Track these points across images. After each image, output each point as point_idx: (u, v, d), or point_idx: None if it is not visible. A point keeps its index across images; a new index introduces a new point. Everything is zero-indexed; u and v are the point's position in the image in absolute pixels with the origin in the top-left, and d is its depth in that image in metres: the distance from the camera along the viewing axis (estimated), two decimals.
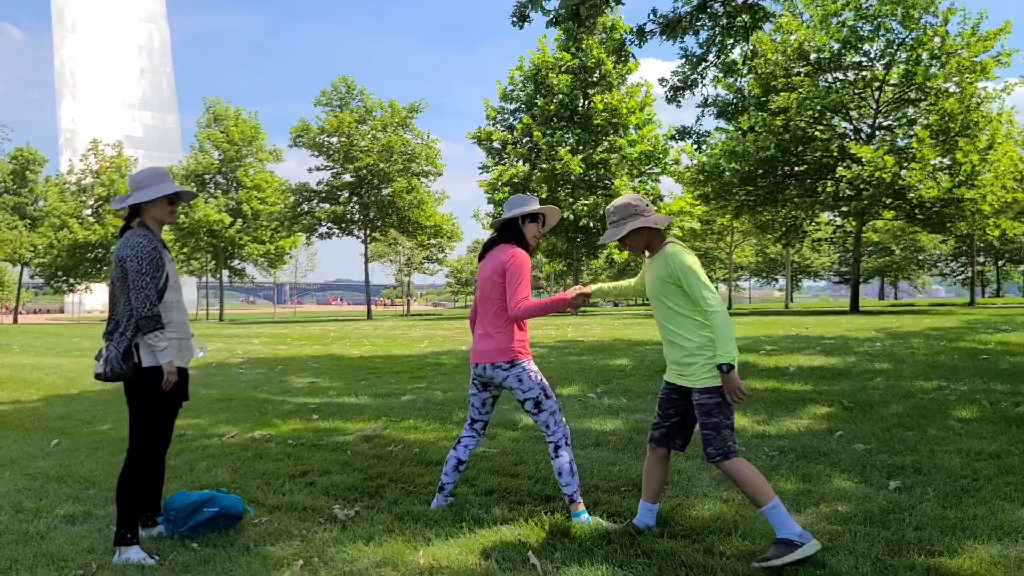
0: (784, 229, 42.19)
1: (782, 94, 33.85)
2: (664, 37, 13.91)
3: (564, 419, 4.48)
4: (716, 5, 14.50)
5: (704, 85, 15.63)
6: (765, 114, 33.80)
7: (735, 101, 15.92)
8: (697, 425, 3.94)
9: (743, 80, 33.99)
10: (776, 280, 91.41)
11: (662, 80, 14.77)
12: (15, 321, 59.36)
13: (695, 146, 15.45)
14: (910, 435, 6.29)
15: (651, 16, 12.99)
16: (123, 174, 54.15)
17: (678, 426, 4.08)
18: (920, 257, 76.03)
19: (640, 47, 13.03)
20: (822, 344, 14.04)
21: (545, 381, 4.48)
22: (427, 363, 13.17)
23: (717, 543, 3.88)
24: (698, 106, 15.11)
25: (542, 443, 6.15)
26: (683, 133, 15.35)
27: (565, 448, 4.37)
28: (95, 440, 7.04)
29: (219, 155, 51.73)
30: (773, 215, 39.73)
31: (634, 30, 12.98)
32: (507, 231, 4.59)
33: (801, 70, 34.54)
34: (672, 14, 13.82)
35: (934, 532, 3.96)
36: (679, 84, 14.98)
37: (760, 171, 34.51)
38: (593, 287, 4.58)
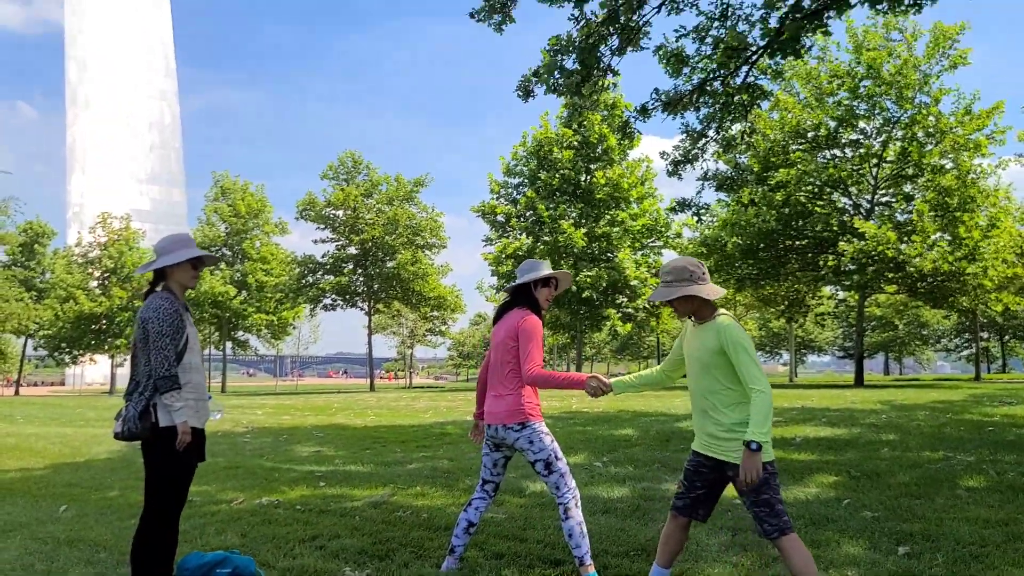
0: (787, 303, 42.40)
1: (781, 170, 34.48)
2: (666, 113, 14.35)
3: (574, 482, 4.54)
4: (716, 84, 14.99)
5: (704, 160, 16.02)
6: (765, 188, 34.37)
7: (734, 175, 16.23)
8: (746, 503, 3.87)
9: (743, 157, 34.81)
10: (780, 355, 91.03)
11: (663, 154, 15.15)
12: (17, 393, 59.18)
13: (695, 217, 15.70)
14: (918, 503, 6.31)
15: (653, 95, 13.43)
16: (131, 247, 54.75)
17: (703, 498, 4.01)
18: (924, 332, 75.98)
19: (645, 122, 13.44)
20: (827, 415, 14.03)
21: (556, 444, 4.55)
22: (432, 433, 13.17)
23: None
24: (698, 179, 15.45)
25: (550, 509, 6.16)
26: (683, 205, 15.65)
27: (575, 510, 4.41)
28: (104, 506, 7.05)
29: (226, 228, 52.42)
30: (775, 289, 39.96)
31: (637, 108, 13.41)
32: (520, 296, 4.73)
33: (798, 147, 35.25)
34: (673, 92, 14.29)
35: None
36: (680, 158, 15.36)
37: (761, 244, 34.88)
38: (614, 380, 4.49)
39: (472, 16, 13.22)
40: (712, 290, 3.94)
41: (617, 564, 4.71)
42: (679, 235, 40.06)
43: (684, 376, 4.32)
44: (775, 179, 34.52)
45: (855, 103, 34.23)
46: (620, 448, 10.14)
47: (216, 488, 7.82)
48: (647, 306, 40.36)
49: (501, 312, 4.81)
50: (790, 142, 35.08)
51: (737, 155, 33.71)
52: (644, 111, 13.32)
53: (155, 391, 4.05)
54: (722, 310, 4.01)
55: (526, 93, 11.57)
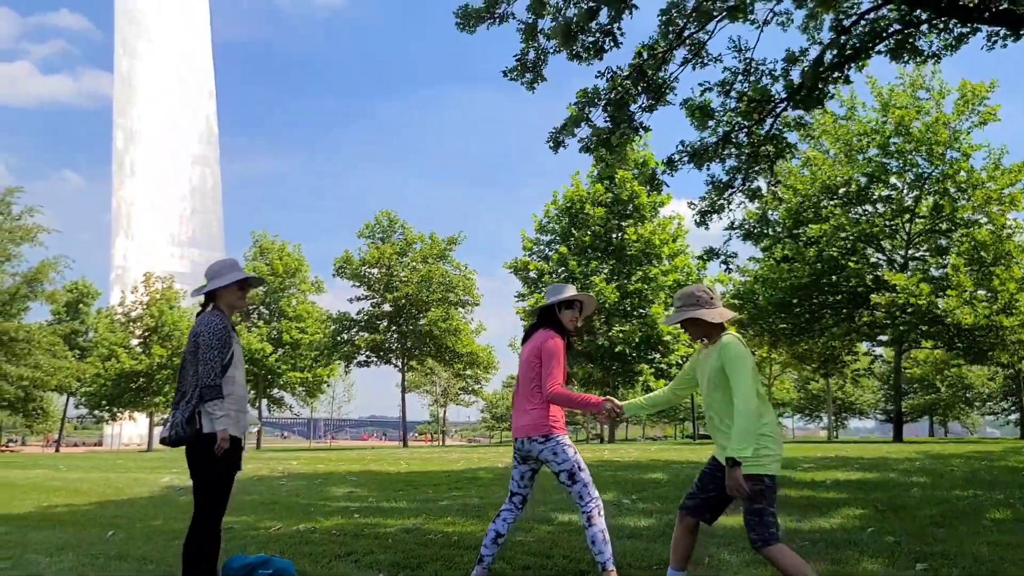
0: (822, 359, 41.99)
1: (813, 225, 34.61)
2: (692, 164, 14.73)
3: (597, 492, 4.75)
4: (741, 136, 15.35)
5: (731, 210, 16.27)
6: (799, 244, 34.49)
7: (759, 225, 16.29)
8: (743, 509, 4.06)
9: (774, 214, 35.04)
10: (820, 418, 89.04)
11: (691, 204, 15.43)
12: (57, 451, 60.10)
13: (724, 267, 15.93)
14: (941, 531, 6.37)
15: (679, 146, 13.84)
16: (172, 306, 55.97)
17: (713, 501, 4.20)
18: (968, 395, 74.10)
19: (672, 176, 13.81)
20: (861, 463, 13.95)
21: (579, 456, 4.78)
22: (464, 477, 13.32)
23: None
24: (725, 229, 15.69)
25: (576, 535, 6.32)
26: (711, 254, 15.88)
27: (598, 518, 4.61)
28: (149, 532, 7.34)
29: (263, 286, 53.50)
30: (810, 345, 39.65)
31: (664, 161, 13.82)
32: (545, 317, 5.03)
33: (830, 203, 35.37)
34: (699, 143, 14.68)
35: None
36: (707, 208, 15.64)
37: (794, 299, 34.81)
38: (625, 403, 4.75)
39: (505, 75, 13.79)
40: (717, 313, 4.16)
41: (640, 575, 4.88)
42: (711, 288, 40.13)
43: (686, 397, 4.55)
44: (807, 234, 34.64)
45: (886, 160, 34.41)
46: (649, 488, 10.25)
47: (254, 519, 8.08)
48: (680, 362, 40.22)
49: (529, 333, 5.10)
50: (822, 198, 35.24)
51: (767, 209, 34.07)
52: (671, 163, 13.72)
53: (200, 399, 4.37)
54: (731, 331, 4.24)
55: (556, 144, 12.01)
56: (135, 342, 55.26)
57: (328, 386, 57.54)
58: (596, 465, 15.21)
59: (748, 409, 3.86)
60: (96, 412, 58.03)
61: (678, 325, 4.43)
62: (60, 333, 54.70)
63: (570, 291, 5.07)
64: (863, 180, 34.80)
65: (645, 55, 12.85)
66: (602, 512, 4.65)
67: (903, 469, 12.42)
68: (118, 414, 56.77)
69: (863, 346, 42.08)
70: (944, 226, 34.48)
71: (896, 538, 6.06)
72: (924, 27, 13.65)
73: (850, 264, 34.08)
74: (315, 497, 10.59)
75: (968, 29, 13.25)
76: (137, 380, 53.73)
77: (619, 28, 12.69)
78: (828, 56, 13.94)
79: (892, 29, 13.24)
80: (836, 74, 13.93)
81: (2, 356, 35.64)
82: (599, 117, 12.58)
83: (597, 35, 12.73)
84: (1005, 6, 11.86)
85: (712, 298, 4.23)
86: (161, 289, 56.46)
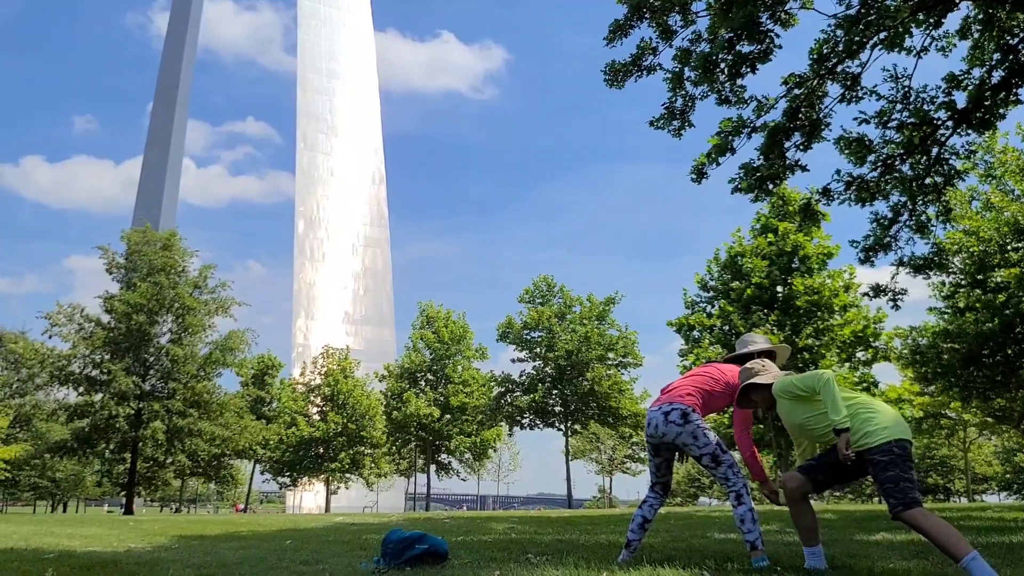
0: (1023, 416, 38.22)
1: (1000, 271, 32.07)
2: (853, 201, 14.21)
3: (742, 471, 4.73)
4: (904, 168, 14.71)
5: (898, 246, 15.47)
6: (981, 291, 32.03)
7: (932, 257, 15.16)
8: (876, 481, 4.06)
9: (955, 259, 32.77)
10: None
11: (853, 242, 14.84)
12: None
13: (891, 303, 15.11)
14: None
15: (835, 176, 13.46)
16: (347, 375, 59.10)
17: (827, 467, 4.26)
18: None
19: (828, 205, 13.45)
20: None
21: (719, 438, 4.79)
22: (624, 519, 13.20)
23: None
24: (892, 264, 14.95)
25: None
26: (878, 291, 15.14)
27: (747, 497, 4.60)
28: (322, 543, 7.86)
29: (430, 353, 55.61)
30: (1009, 401, 36.23)
31: (820, 190, 13.49)
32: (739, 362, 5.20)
33: (1020, 245, 32.74)
34: (859, 177, 14.15)
35: None
36: (871, 245, 14.98)
37: (985, 350, 32.14)
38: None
39: (651, 124, 14.01)
40: (771, 376, 4.67)
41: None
42: (889, 343, 37.73)
43: None
44: (994, 280, 32.12)
45: None
46: None
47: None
48: None
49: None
50: (1009, 240, 32.68)
51: (945, 257, 31.88)
52: (827, 193, 13.37)
53: None
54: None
55: (699, 175, 12.09)
56: (314, 410, 58.64)
57: (494, 450, 58.34)
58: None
59: (822, 378, 4.20)
60: (279, 479, 61.51)
61: None
62: (247, 401, 58.78)
63: (761, 342, 5.13)
64: None
65: (794, 87, 12.72)
66: (750, 491, 4.64)
67: None
68: (298, 480, 59.95)
69: None
70: None
71: None
72: None
73: None
74: (475, 531, 10.85)
75: None
76: (315, 447, 56.78)
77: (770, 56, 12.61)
78: (995, 76, 13.27)
79: None
80: (1004, 94, 13.20)
81: (197, 415, 38.76)
82: (745, 147, 12.50)
83: (736, 62, 12.65)
84: None
85: (765, 367, 4.54)
86: (339, 359, 59.90)
